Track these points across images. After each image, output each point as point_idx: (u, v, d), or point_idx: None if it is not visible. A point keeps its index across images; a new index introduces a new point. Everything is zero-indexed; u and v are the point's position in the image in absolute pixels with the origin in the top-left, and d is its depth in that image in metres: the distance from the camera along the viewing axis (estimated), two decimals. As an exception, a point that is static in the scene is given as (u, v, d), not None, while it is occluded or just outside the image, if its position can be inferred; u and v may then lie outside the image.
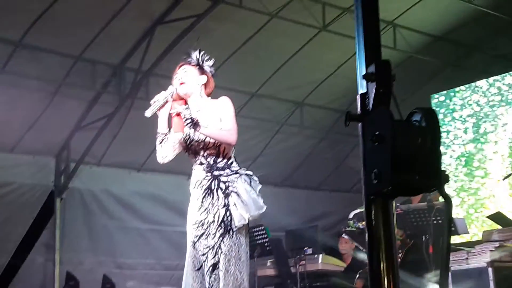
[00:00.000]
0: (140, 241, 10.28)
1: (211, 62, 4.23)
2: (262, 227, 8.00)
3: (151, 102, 4.02)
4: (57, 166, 9.78)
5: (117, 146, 9.96)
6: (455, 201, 9.81)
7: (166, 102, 4.02)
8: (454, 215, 8.47)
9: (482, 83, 10.20)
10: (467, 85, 10.39)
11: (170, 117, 4.10)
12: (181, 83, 4.11)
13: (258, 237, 7.90)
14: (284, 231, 9.15)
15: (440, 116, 10.51)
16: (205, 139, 3.99)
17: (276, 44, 9.62)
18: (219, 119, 4.03)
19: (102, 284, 8.71)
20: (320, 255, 7.75)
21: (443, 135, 9.99)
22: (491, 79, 10.08)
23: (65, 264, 9.52)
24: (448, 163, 10.22)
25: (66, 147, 9.75)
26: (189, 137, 4.03)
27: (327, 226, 11.04)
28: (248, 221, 3.94)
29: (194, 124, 3.91)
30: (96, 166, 10.10)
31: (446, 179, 1.73)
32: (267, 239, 8.01)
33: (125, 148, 10.01)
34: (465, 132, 10.30)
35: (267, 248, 7.97)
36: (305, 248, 7.82)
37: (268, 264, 8.01)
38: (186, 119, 3.92)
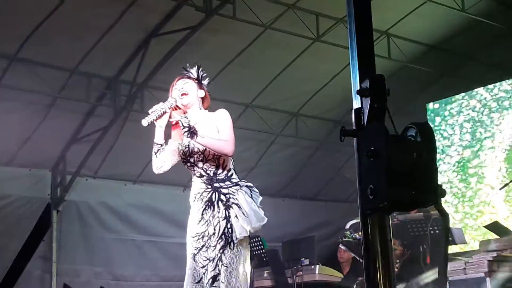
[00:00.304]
0: (136, 252, 10.27)
1: (206, 81, 4.28)
2: (259, 238, 7.99)
3: (149, 111, 4.02)
4: (53, 178, 9.78)
5: (112, 158, 9.96)
6: (449, 209, 9.82)
7: (164, 113, 4.02)
8: (451, 225, 8.45)
9: (478, 90, 10.24)
10: (462, 94, 10.42)
11: (168, 127, 4.11)
12: (183, 94, 4.11)
13: (255, 248, 7.89)
14: (281, 242, 9.14)
15: (436, 123, 10.54)
16: (204, 151, 3.99)
17: (270, 55, 9.64)
18: (216, 131, 4.04)
19: (99, 297, 8.69)
20: (317, 266, 7.74)
21: (438, 144, 10.00)
22: (488, 86, 10.12)
23: (62, 276, 9.50)
24: (444, 169, 10.24)
25: (62, 159, 9.74)
26: (188, 149, 4.02)
27: (324, 237, 11.02)
28: (250, 233, 3.93)
29: (191, 132, 3.91)
30: (92, 178, 10.10)
31: (442, 194, 1.74)
32: (263, 250, 8.00)
33: (121, 160, 10.01)
34: (461, 139, 10.32)
35: (264, 259, 7.96)
36: (302, 259, 7.81)
37: (265, 275, 8.00)
38: (184, 127, 3.92)
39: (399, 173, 1.72)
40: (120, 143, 9.79)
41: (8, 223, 9.30)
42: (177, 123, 3.95)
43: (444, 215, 1.75)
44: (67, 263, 9.69)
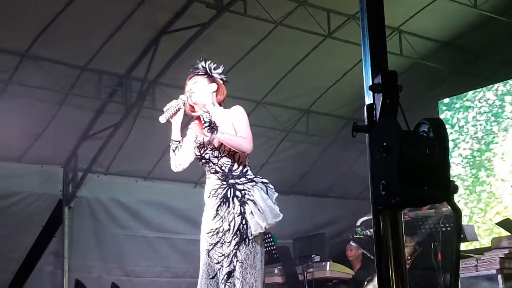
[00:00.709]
0: (147, 249, 10.30)
1: (220, 70, 4.22)
2: (270, 235, 7.99)
3: (164, 109, 4.02)
4: (65, 175, 9.82)
5: (124, 155, 9.99)
6: (460, 205, 9.79)
7: (179, 109, 4.03)
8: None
9: (490, 86, 10.22)
10: (474, 90, 10.38)
11: (184, 126, 4.12)
12: (191, 94, 4.10)
13: (266, 245, 7.89)
14: (292, 238, 9.14)
15: (447, 117, 10.51)
16: (219, 147, 3.98)
17: (281, 52, 9.63)
18: (232, 128, 4.02)
19: (110, 292, 8.73)
20: (328, 263, 7.73)
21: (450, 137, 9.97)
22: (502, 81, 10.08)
23: (74, 272, 9.55)
24: (456, 162, 10.21)
25: (73, 156, 9.78)
26: (203, 145, 4.01)
27: (335, 234, 11.02)
28: (265, 229, 3.92)
29: (212, 128, 3.90)
30: (104, 175, 10.13)
31: (454, 189, 1.74)
32: (274, 247, 8.00)
33: (132, 157, 10.04)
34: (474, 133, 10.28)
35: (275, 255, 7.96)
36: (312, 256, 7.80)
37: (276, 271, 8.00)
38: (205, 122, 3.90)
39: (411, 169, 1.71)
40: (131, 140, 9.82)
41: (20, 220, 9.35)
42: (198, 117, 3.94)
43: (457, 211, 1.74)
44: (78, 259, 9.73)
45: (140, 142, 9.83)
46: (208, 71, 4.18)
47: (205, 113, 3.93)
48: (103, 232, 9.97)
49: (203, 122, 3.90)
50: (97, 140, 9.59)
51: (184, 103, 4.06)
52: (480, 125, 10.25)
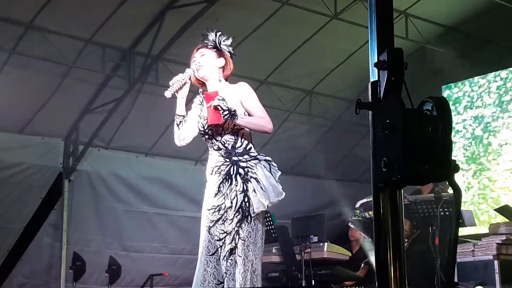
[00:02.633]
0: (146, 224, 10.34)
1: (229, 42, 4.14)
2: (269, 214, 7.97)
3: (170, 83, 3.97)
4: (66, 148, 9.84)
5: (125, 130, 9.99)
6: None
7: (185, 83, 3.99)
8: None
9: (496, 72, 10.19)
10: (479, 76, 10.35)
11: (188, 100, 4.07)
12: (198, 68, 4.05)
13: (265, 224, 7.89)
14: (290, 218, 9.15)
15: (451, 106, 10.47)
16: (223, 124, 3.93)
17: (287, 32, 9.59)
18: (240, 105, 3.97)
19: (108, 266, 8.75)
20: (326, 244, 7.73)
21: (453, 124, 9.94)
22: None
23: (72, 245, 9.59)
24: (455, 154, 10.20)
25: (75, 129, 9.79)
26: (206, 122, 3.98)
27: (334, 215, 11.03)
28: (267, 207, 3.91)
29: (232, 115, 3.86)
30: (105, 149, 10.15)
31: (456, 169, 1.73)
32: (273, 226, 8.01)
33: (134, 132, 10.04)
34: (476, 121, 10.27)
35: (273, 235, 7.96)
36: (310, 236, 7.81)
37: (273, 251, 8.00)
38: (224, 111, 3.85)
39: (413, 146, 1.70)
40: (133, 115, 9.81)
41: (20, 191, 9.38)
42: (215, 107, 3.86)
43: (457, 190, 1.74)
44: (77, 232, 9.77)
45: (142, 118, 9.82)
46: (218, 44, 4.10)
47: (221, 101, 3.84)
48: (103, 206, 10.00)
49: (221, 111, 3.83)
50: (99, 114, 9.59)
51: (190, 77, 4.03)
52: (484, 109, 10.23)
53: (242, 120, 3.88)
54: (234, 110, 3.86)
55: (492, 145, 10.03)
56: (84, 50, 8.91)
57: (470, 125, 10.37)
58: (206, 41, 4.11)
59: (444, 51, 10.42)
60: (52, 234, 9.75)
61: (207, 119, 3.95)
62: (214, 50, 4.09)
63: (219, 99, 3.86)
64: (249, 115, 3.98)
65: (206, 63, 4.06)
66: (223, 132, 3.95)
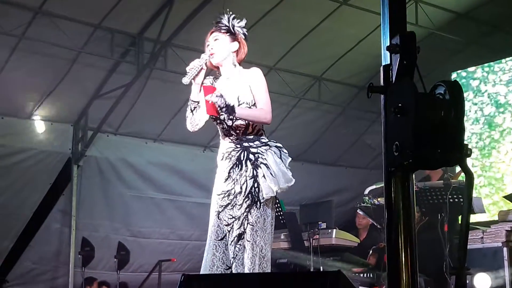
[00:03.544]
0: (155, 210, 10.36)
1: (242, 23, 4.10)
2: (277, 200, 7.99)
3: (187, 69, 3.93)
4: (75, 133, 9.85)
5: (134, 115, 9.99)
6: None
7: (201, 69, 3.96)
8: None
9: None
10: (488, 64, 10.30)
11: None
12: (212, 54, 4.02)
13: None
14: (299, 205, 9.16)
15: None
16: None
17: (296, 18, 9.54)
18: (249, 90, 3.97)
19: (117, 251, 8.80)
20: (334, 230, 7.74)
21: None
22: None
23: (81, 230, 9.63)
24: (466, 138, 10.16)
25: (84, 115, 9.80)
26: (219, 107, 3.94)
27: (342, 202, 11.03)
28: (276, 193, 3.90)
29: (230, 111, 3.85)
30: (113, 135, 10.16)
31: (468, 153, 1.72)
32: (281, 213, 8.01)
33: (142, 118, 10.05)
34: (486, 106, 10.23)
35: (282, 221, 7.98)
36: (319, 223, 7.81)
37: (282, 237, 8.02)
38: (221, 108, 3.84)
39: (425, 130, 1.69)
40: (142, 101, 9.81)
41: (29, 176, 9.41)
42: (213, 104, 3.84)
43: (469, 174, 1.72)
44: (86, 218, 9.81)
45: (150, 104, 9.82)
46: (231, 28, 4.07)
47: (219, 98, 3.82)
48: (111, 192, 10.03)
49: (219, 108, 3.82)
50: (108, 99, 9.60)
51: (206, 62, 4.00)
52: (494, 96, 10.19)
53: (240, 113, 3.87)
54: (232, 106, 3.84)
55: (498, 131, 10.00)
56: (93, 36, 8.89)
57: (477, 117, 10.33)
58: (219, 25, 4.08)
59: (454, 37, 10.36)
60: (61, 220, 9.79)
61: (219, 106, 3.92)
62: (228, 34, 4.06)
63: (217, 96, 3.84)
64: (254, 101, 3.97)
65: (220, 48, 4.04)
66: (234, 118, 3.94)
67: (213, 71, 4.19)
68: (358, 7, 9.29)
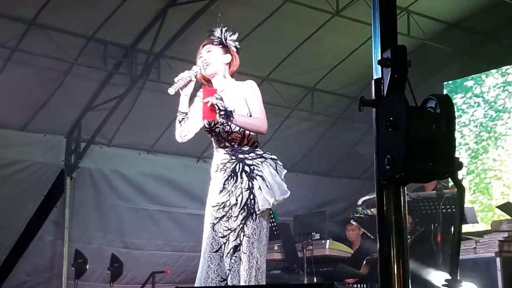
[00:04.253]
0: (148, 222, 10.34)
1: (234, 37, 4.12)
2: (271, 211, 7.98)
3: (175, 79, 3.93)
4: (68, 145, 9.83)
5: (127, 127, 9.99)
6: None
7: (190, 81, 3.95)
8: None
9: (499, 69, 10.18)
10: (480, 73, 10.36)
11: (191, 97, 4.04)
12: (206, 65, 4.02)
13: (267, 221, 7.89)
14: (292, 216, 9.16)
15: (454, 99, 10.48)
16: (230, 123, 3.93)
17: (289, 29, 9.58)
18: (245, 103, 3.98)
19: (110, 263, 8.77)
20: (328, 241, 7.74)
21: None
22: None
23: (74, 242, 9.60)
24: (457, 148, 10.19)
25: (77, 126, 9.79)
26: (219, 110, 3.90)
27: (336, 212, 11.04)
28: (272, 205, 3.90)
29: (228, 115, 3.85)
30: (107, 146, 10.15)
31: (459, 166, 1.73)
32: (275, 223, 8.02)
33: (135, 129, 10.04)
34: (478, 117, 10.27)
35: (275, 232, 7.98)
36: (312, 233, 7.82)
37: (276, 248, 8.02)
38: (220, 110, 3.84)
39: (417, 144, 1.71)
40: (135, 112, 9.81)
41: (22, 188, 9.38)
42: (212, 105, 3.84)
43: (460, 187, 1.74)
44: (79, 230, 9.78)
45: (144, 115, 9.83)
46: (224, 40, 4.08)
47: (219, 101, 3.83)
48: (104, 204, 10.01)
49: (218, 110, 3.83)
50: (101, 111, 9.59)
51: (196, 74, 4.00)
52: (485, 108, 10.24)
53: (237, 120, 3.87)
54: (231, 111, 3.85)
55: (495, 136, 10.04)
56: (86, 47, 8.91)
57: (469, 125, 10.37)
58: (212, 37, 4.09)
59: (445, 48, 10.42)
60: (54, 232, 9.75)
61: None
62: (220, 46, 4.08)
63: (217, 98, 3.84)
64: (250, 113, 3.98)
65: (213, 60, 4.04)
66: (230, 130, 3.95)
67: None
68: (351, 18, 9.33)
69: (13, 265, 9.43)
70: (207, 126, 4.01)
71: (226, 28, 4.12)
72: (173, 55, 9.25)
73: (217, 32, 4.10)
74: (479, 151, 10.20)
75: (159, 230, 10.41)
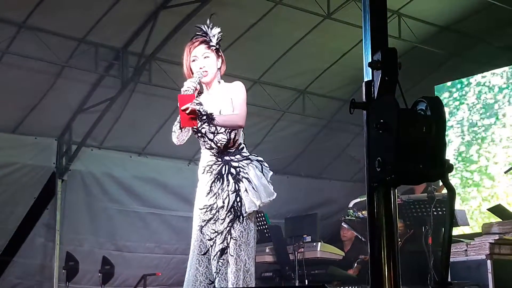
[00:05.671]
0: (140, 224, 10.32)
1: (220, 35, 4.10)
2: (262, 214, 8.01)
3: (182, 90, 3.88)
4: (59, 147, 9.80)
5: (118, 129, 9.97)
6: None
7: (196, 89, 3.94)
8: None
9: (489, 71, 10.21)
10: (471, 76, 10.39)
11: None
12: (205, 73, 4.01)
13: (258, 224, 7.91)
14: (284, 218, 9.17)
15: (445, 101, 10.50)
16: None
17: (280, 31, 9.59)
18: (229, 102, 3.98)
19: (101, 265, 8.73)
20: (319, 243, 7.76)
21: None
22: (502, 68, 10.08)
23: (65, 244, 9.56)
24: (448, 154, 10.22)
25: (68, 129, 9.76)
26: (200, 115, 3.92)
27: (327, 215, 11.05)
28: (259, 207, 3.91)
29: (209, 119, 3.86)
30: (98, 149, 10.12)
31: (450, 168, 1.74)
32: (266, 226, 8.02)
33: (127, 132, 10.02)
34: (468, 121, 10.30)
35: (266, 234, 7.99)
36: (304, 236, 7.83)
37: (267, 250, 8.03)
38: (202, 116, 3.85)
39: (407, 146, 1.71)
40: (126, 115, 9.79)
41: (12, 190, 9.34)
42: (192, 111, 3.83)
43: (451, 190, 1.75)
44: (70, 232, 9.75)
45: (135, 117, 9.81)
46: (218, 46, 4.09)
47: (198, 106, 3.85)
48: (96, 206, 9.98)
49: (199, 115, 3.84)
50: (92, 113, 9.57)
51: (199, 79, 3.98)
52: (476, 110, 10.27)
53: (218, 121, 3.89)
54: (211, 114, 3.87)
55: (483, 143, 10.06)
56: (77, 50, 8.88)
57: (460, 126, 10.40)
58: (209, 43, 4.06)
59: (436, 50, 10.45)
60: (45, 234, 9.71)
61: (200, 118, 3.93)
62: (215, 51, 4.08)
63: (196, 103, 3.85)
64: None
65: (212, 67, 4.05)
66: (216, 132, 3.95)
67: None
68: (342, 21, 9.35)
69: (4, 268, 9.39)
70: (194, 127, 4.02)
71: (218, 29, 4.10)
72: (164, 57, 9.24)
73: (214, 36, 4.07)
74: (468, 152, 10.23)
75: (151, 232, 10.39)
